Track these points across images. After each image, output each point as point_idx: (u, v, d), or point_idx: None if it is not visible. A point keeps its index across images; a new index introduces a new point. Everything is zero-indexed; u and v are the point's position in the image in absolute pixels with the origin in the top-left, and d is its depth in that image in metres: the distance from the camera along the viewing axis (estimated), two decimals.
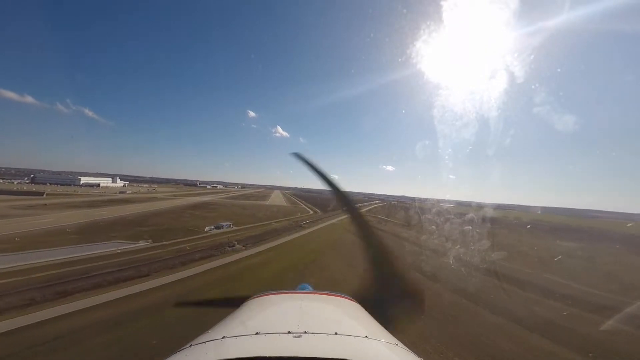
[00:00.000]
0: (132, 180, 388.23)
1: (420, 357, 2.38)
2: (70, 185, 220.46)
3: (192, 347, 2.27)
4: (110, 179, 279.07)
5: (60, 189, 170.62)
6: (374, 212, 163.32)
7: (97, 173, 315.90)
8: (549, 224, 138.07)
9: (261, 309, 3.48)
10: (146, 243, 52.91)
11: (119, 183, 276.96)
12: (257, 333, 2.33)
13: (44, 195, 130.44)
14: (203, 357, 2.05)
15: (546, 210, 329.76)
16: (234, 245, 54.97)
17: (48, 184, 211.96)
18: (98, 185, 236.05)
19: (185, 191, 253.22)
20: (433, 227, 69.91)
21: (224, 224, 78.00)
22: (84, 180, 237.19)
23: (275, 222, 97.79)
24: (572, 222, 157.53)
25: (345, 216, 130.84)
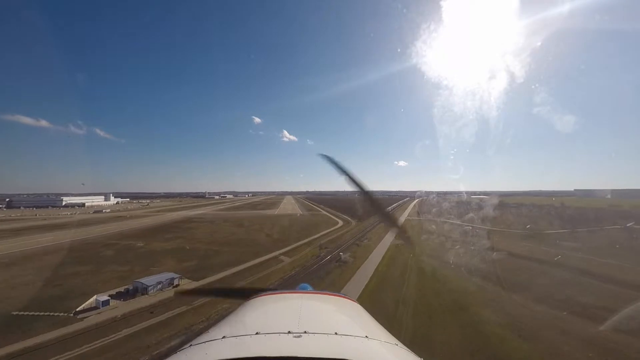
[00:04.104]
0: (146, 197, 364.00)
1: (421, 357, 2.28)
2: (47, 207, 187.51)
3: (192, 347, 2.21)
4: (103, 197, 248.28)
5: (17, 214, 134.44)
6: (426, 212, 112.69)
7: (98, 192, 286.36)
8: None
9: (261, 308, 3.38)
10: None
11: (112, 200, 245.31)
12: (257, 333, 2.28)
13: None
14: (203, 357, 2.00)
15: (616, 193, 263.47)
16: None
17: (22, 208, 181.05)
18: (83, 205, 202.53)
19: (184, 204, 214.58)
20: None
21: (154, 281, 32.03)
22: (66, 200, 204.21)
23: (284, 252, 51.25)
24: None
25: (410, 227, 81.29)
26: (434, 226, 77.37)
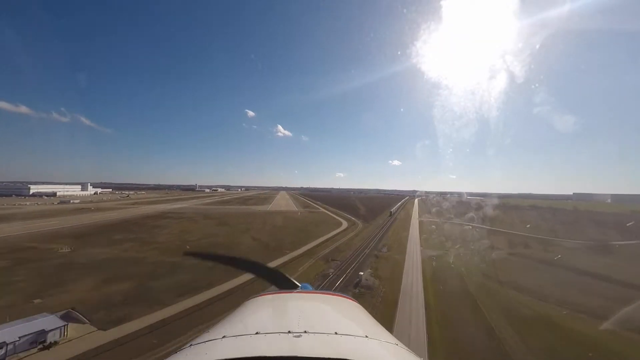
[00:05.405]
0: (133, 188, 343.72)
1: (421, 357, 2.30)
2: (11, 196, 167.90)
3: (192, 347, 2.24)
4: (80, 187, 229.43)
5: None
6: (445, 214, 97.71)
7: (78, 182, 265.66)
8: None
9: (261, 308, 3.40)
10: None
11: (90, 190, 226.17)
12: (257, 333, 2.30)
13: None
14: (203, 357, 2.03)
15: (616, 198, 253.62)
16: None
17: None
18: (54, 194, 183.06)
19: (168, 197, 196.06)
20: None
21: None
22: (35, 189, 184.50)
23: (276, 268, 34.77)
24: None
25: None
26: (466, 232, 62.09)
